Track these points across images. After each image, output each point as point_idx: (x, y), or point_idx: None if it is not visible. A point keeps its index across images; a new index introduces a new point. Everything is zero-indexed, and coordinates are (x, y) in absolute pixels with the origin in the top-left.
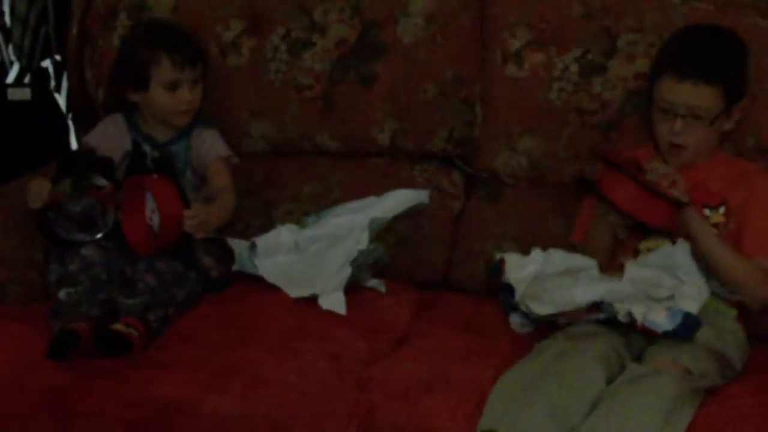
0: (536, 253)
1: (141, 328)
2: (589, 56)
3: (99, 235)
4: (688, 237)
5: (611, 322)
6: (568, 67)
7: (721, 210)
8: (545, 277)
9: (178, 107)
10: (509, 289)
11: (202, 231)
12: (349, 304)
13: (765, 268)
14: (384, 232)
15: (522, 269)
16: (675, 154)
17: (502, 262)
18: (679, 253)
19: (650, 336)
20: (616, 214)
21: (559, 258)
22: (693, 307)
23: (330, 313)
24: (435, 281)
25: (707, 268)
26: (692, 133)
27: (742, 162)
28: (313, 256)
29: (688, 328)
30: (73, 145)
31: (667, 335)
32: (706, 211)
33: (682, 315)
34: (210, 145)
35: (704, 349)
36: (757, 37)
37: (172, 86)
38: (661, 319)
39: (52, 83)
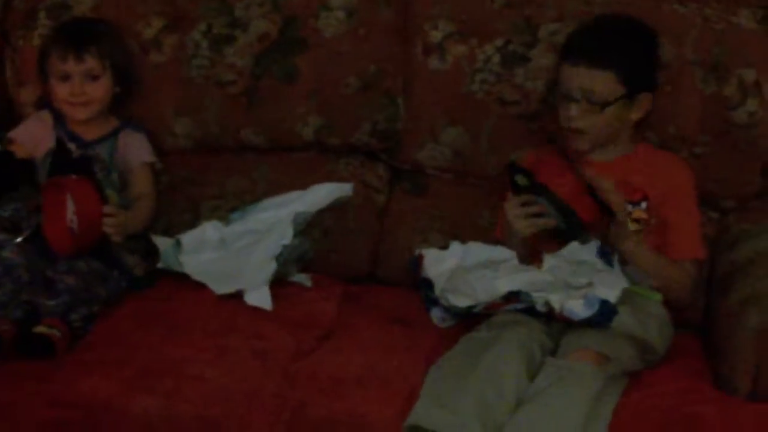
0: (455, 247)
1: (63, 328)
2: (511, 47)
3: (20, 238)
4: (614, 245)
5: (531, 311)
6: (490, 58)
7: (643, 205)
8: (465, 269)
9: (70, 99)
10: (428, 284)
11: (120, 234)
12: (275, 299)
13: (687, 270)
14: (309, 226)
15: (441, 263)
16: (575, 139)
17: (420, 257)
18: (586, 252)
19: (569, 324)
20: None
21: (478, 250)
22: (611, 295)
23: (256, 309)
24: (361, 275)
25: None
26: (589, 118)
27: (662, 154)
28: (238, 252)
29: (604, 315)
30: None
31: (583, 323)
32: (629, 207)
33: (599, 302)
34: (136, 149)
35: (622, 336)
36: (676, 24)
37: (63, 78)
38: (578, 307)
39: None
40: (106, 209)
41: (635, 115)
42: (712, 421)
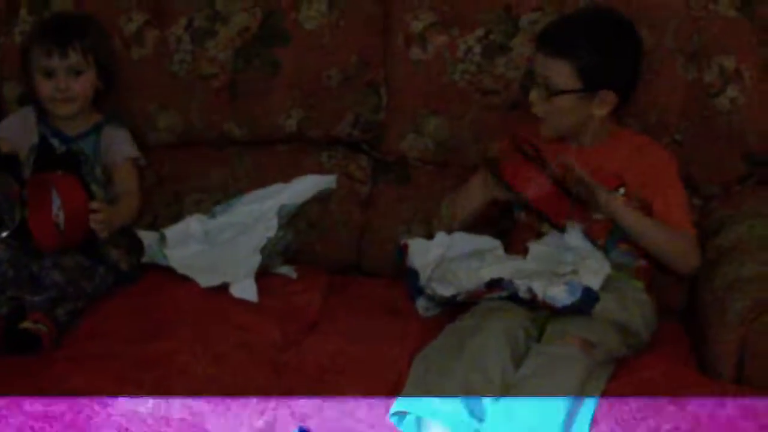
0: (440, 237)
1: (49, 323)
2: (492, 36)
3: (5, 233)
4: (613, 220)
5: (515, 299)
6: (471, 48)
7: (621, 191)
8: (451, 259)
9: (54, 95)
10: (413, 274)
11: (106, 230)
12: (261, 291)
13: (688, 237)
14: (293, 218)
15: (427, 253)
16: (540, 124)
17: (405, 246)
18: (572, 237)
19: (553, 310)
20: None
21: (463, 240)
22: (594, 282)
23: (242, 301)
24: (345, 266)
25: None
26: (545, 105)
27: (640, 138)
28: (222, 245)
29: (586, 302)
30: None
31: (566, 309)
32: None
33: (582, 289)
34: (119, 144)
35: (606, 322)
36: (656, 12)
37: (48, 74)
38: (560, 294)
39: None
40: (93, 205)
41: (598, 111)
42: (698, 405)
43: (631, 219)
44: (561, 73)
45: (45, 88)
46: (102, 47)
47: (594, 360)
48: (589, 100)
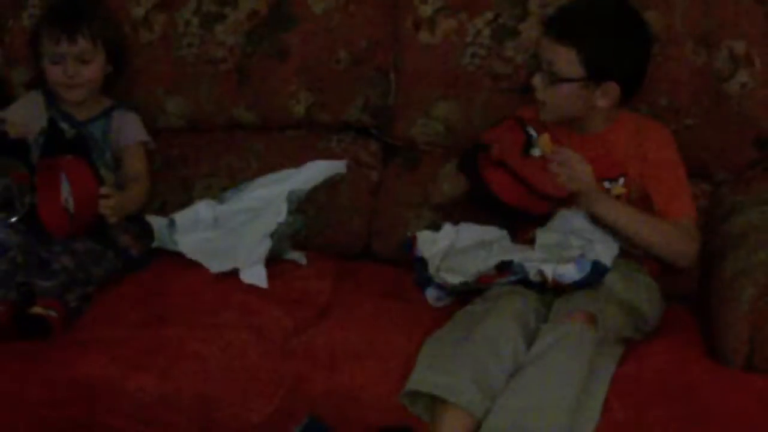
0: (447, 228)
1: (59, 308)
2: (501, 20)
3: (15, 218)
4: (593, 217)
5: (525, 283)
6: (481, 31)
7: (621, 181)
8: (458, 250)
9: (63, 81)
10: (422, 263)
11: (116, 215)
12: (270, 277)
13: (683, 225)
14: (303, 203)
15: (434, 244)
16: (540, 108)
17: (413, 238)
18: (576, 218)
19: (563, 290)
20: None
21: (470, 231)
22: (604, 257)
23: (251, 287)
24: (355, 251)
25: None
26: (548, 91)
27: (636, 120)
28: (232, 230)
29: (596, 275)
30: None
31: (576, 285)
32: (606, 184)
33: (591, 264)
34: (129, 128)
35: (613, 300)
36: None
37: (56, 60)
38: (569, 271)
39: None
40: (103, 190)
41: (601, 102)
42: (709, 391)
43: (623, 221)
44: (566, 59)
45: (54, 73)
46: (111, 31)
47: (599, 336)
48: (592, 90)
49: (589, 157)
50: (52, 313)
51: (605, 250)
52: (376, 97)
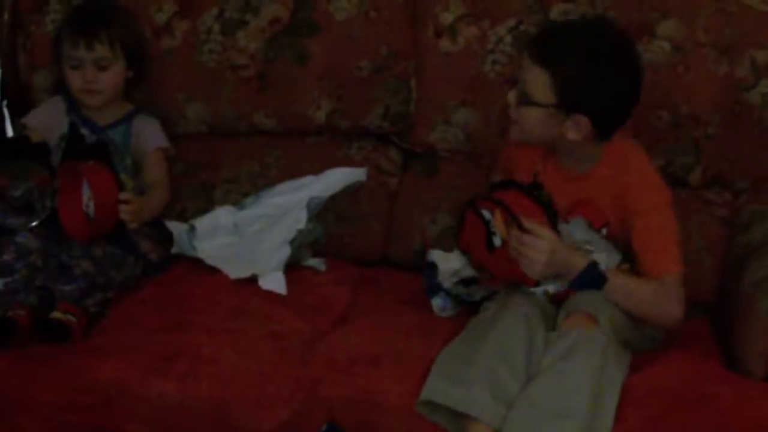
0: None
1: (79, 314)
2: (522, 27)
3: (35, 222)
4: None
5: None
6: (502, 39)
7: (603, 232)
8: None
9: (82, 86)
10: (432, 268)
11: (136, 221)
12: (289, 283)
13: (669, 284)
14: (323, 210)
15: (447, 263)
16: (511, 126)
17: (426, 244)
18: (576, 230)
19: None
20: None
21: None
22: (607, 262)
23: (270, 294)
24: (374, 258)
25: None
26: (518, 110)
27: (623, 157)
28: (252, 236)
29: (591, 275)
30: (9, 132)
31: (573, 286)
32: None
33: (585, 266)
34: (149, 134)
35: (616, 307)
36: (687, 5)
37: (75, 66)
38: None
39: None
40: (123, 196)
41: (571, 134)
42: (726, 401)
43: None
44: (539, 82)
45: (73, 79)
46: (131, 36)
47: (606, 340)
48: (561, 119)
49: (573, 202)
50: (72, 318)
51: (607, 260)
52: (397, 104)
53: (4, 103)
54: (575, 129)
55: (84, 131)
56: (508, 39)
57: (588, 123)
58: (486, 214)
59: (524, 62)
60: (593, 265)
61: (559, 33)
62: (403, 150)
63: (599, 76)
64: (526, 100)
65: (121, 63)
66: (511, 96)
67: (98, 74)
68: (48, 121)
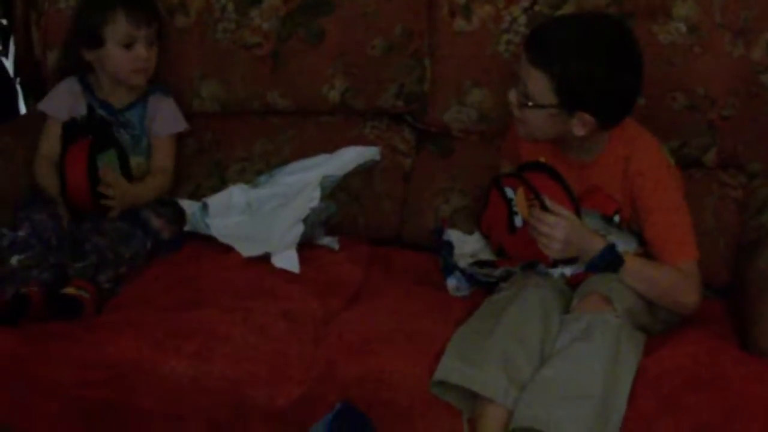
0: (478, 236)
1: (92, 289)
2: (537, 7)
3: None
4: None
5: None
6: (516, 18)
7: (616, 219)
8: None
9: (134, 65)
10: (449, 248)
11: (115, 206)
12: (302, 262)
13: (685, 270)
14: (336, 189)
15: (463, 245)
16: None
17: (443, 221)
18: (591, 219)
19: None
20: None
21: None
22: (623, 247)
23: (283, 272)
24: (387, 237)
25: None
26: (520, 109)
27: (630, 143)
28: (265, 215)
29: (608, 257)
30: (22, 110)
31: (590, 268)
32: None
33: (602, 248)
34: (164, 116)
35: (631, 290)
36: None
37: (128, 44)
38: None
39: None
40: (104, 181)
41: (578, 131)
42: (741, 381)
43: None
44: (538, 84)
45: (125, 58)
46: (160, 12)
47: (620, 321)
48: (565, 118)
49: (584, 190)
50: (85, 294)
51: (623, 246)
52: (411, 84)
53: (17, 80)
54: (580, 125)
55: (101, 113)
56: (523, 19)
57: (592, 119)
58: (509, 192)
59: (523, 63)
60: (611, 247)
61: (554, 32)
62: (417, 130)
63: (599, 73)
64: (528, 101)
65: (157, 40)
66: (512, 95)
67: (150, 52)
68: (64, 105)
